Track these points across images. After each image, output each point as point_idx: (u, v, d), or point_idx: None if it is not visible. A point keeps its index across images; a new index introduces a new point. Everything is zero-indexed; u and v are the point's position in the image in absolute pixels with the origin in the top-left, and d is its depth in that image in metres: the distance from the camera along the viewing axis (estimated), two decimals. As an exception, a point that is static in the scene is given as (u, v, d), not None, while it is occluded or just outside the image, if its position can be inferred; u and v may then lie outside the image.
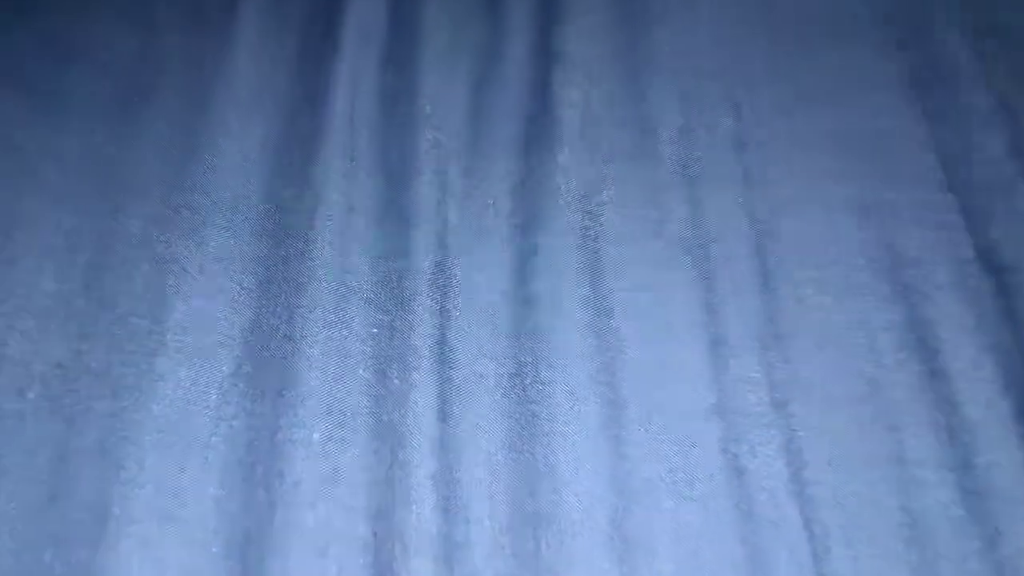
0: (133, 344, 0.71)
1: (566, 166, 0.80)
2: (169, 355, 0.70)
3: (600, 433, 0.69)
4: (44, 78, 0.84)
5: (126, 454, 0.66)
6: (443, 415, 0.69)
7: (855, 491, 0.66)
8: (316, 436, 0.67)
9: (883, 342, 0.71)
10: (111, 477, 0.65)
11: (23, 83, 0.83)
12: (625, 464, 0.67)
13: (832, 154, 0.80)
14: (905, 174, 0.78)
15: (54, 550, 0.63)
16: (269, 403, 0.69)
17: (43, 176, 0.78)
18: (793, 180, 0.79)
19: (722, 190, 0.79)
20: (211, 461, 0.66)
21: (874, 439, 0.67)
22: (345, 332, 0.72)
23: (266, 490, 0.65)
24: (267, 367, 0.71)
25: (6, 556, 0.62)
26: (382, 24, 0.89)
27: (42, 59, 0.85)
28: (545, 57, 0.86)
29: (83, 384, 0.69)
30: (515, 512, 0.66)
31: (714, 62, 0.85)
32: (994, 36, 0.85)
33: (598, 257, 0.76)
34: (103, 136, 0.80)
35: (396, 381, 0.70)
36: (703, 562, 0.63)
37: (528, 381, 0.71)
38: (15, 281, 0.73)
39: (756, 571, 0.63)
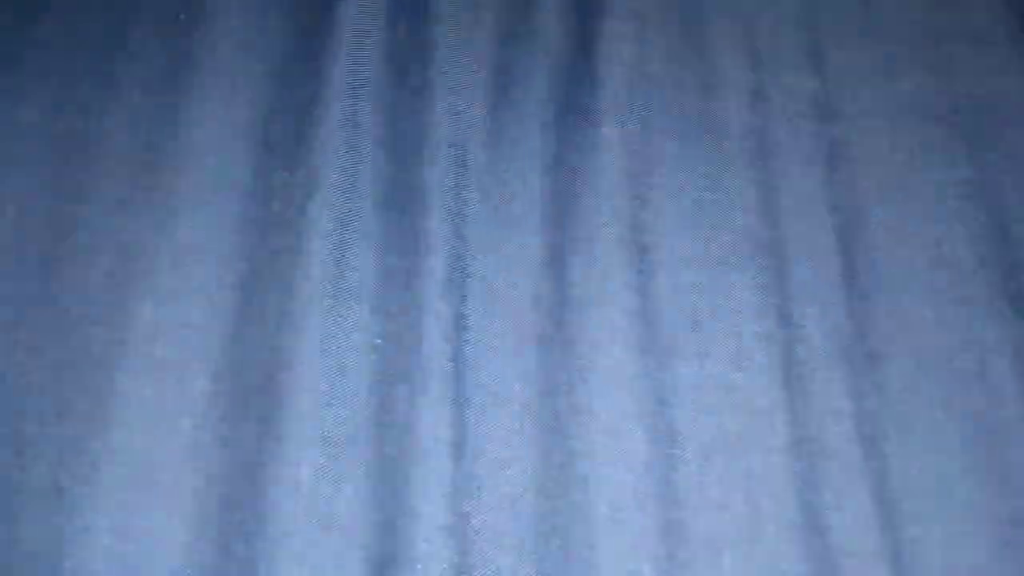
0: (90, 355, 0.60)
1: (611, 140, 0.68)
2: (134, 369, 0.60)
3: (647, 473, 0.58)
4: None
5: (81, 493, 0.56)
6: (458, 448, 0.58)
7: (963, 559, 0.56)
8: (305, 473, 0.57)
9: (998, 368, 0.60)
10: (62, 522, 0.55)
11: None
12: (677, 513, 0.57)
13: (935, 126, 0.68)
14: None
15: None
16: (250, 430, 0.58)
17: None
18: (888, 159, 0.68)
19: (801, 171, 0.67)
20: (181, 504, 0.56)
21: (985, 492, 0.57)
22: (342, 343, 0.61)
23: (246, 542, 0.55)
24: (249, 386, 0.60)
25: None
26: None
27: None
28: (589, 4, 0.73)
29: (30, 404, 0.59)
30: (544, 571, 0.56)
31: (798, 8, 0.73)
32: None
33: (647, 252, 0.65)
34: (67, 106, 0.68)
35: (402, 405, 0.59)
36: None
37: (561, 406, 0.60)
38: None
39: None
